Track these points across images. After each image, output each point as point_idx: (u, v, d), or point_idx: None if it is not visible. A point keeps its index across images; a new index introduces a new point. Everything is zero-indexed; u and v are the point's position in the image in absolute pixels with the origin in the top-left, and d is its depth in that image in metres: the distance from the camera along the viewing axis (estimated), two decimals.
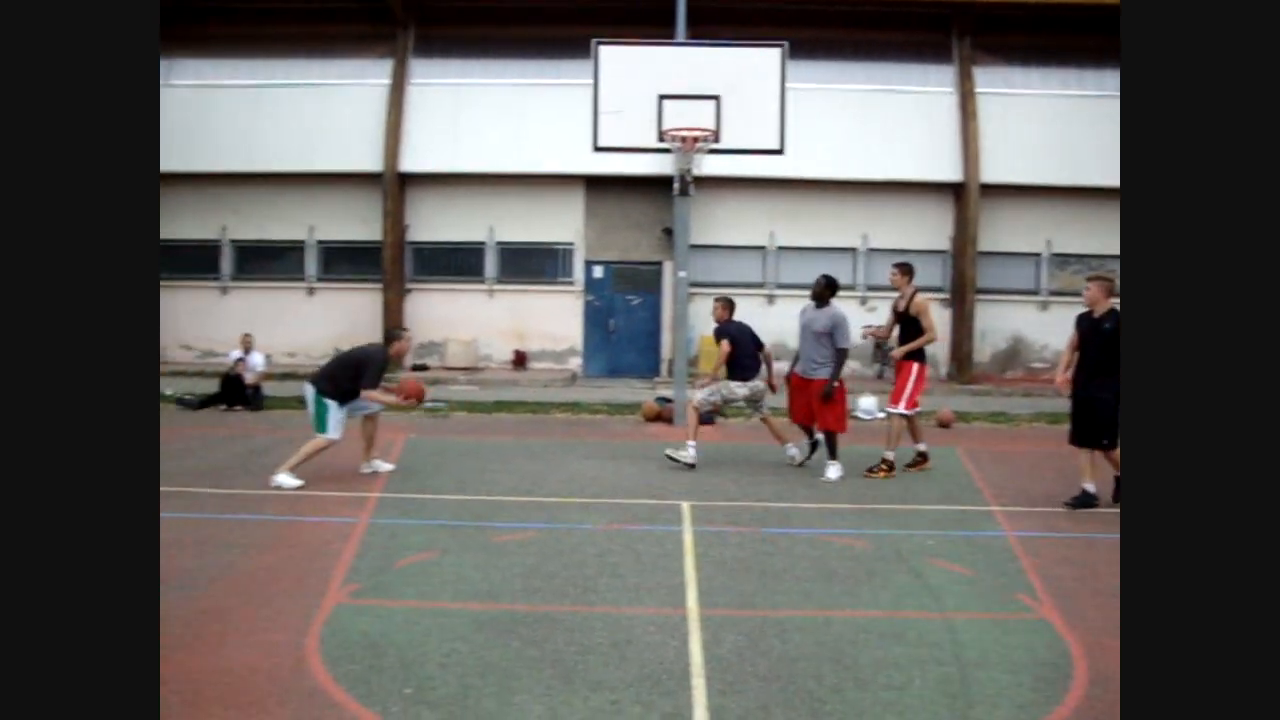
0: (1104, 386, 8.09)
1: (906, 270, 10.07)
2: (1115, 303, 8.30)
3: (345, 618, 5.41)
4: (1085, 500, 8.35)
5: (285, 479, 8.89)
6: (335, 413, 9.12)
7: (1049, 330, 19.79)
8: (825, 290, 9.86)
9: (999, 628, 5.41)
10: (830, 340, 9.60)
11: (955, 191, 19.64)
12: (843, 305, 10.05)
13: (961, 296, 19.38)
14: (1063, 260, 19.85)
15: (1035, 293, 19.97)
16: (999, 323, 19.87)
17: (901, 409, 9.80)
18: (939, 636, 5.23)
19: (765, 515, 8.08)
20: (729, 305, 10.42)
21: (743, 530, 7.52)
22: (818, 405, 9.64)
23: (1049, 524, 7.93)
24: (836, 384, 9.57)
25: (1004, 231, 19.62)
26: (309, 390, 9.24)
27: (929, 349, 10.00)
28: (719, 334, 10.17)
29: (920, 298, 9.90)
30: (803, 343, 9.86)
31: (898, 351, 9.94)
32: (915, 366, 9.83)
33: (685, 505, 8.33)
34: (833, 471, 9.53)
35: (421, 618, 5.43)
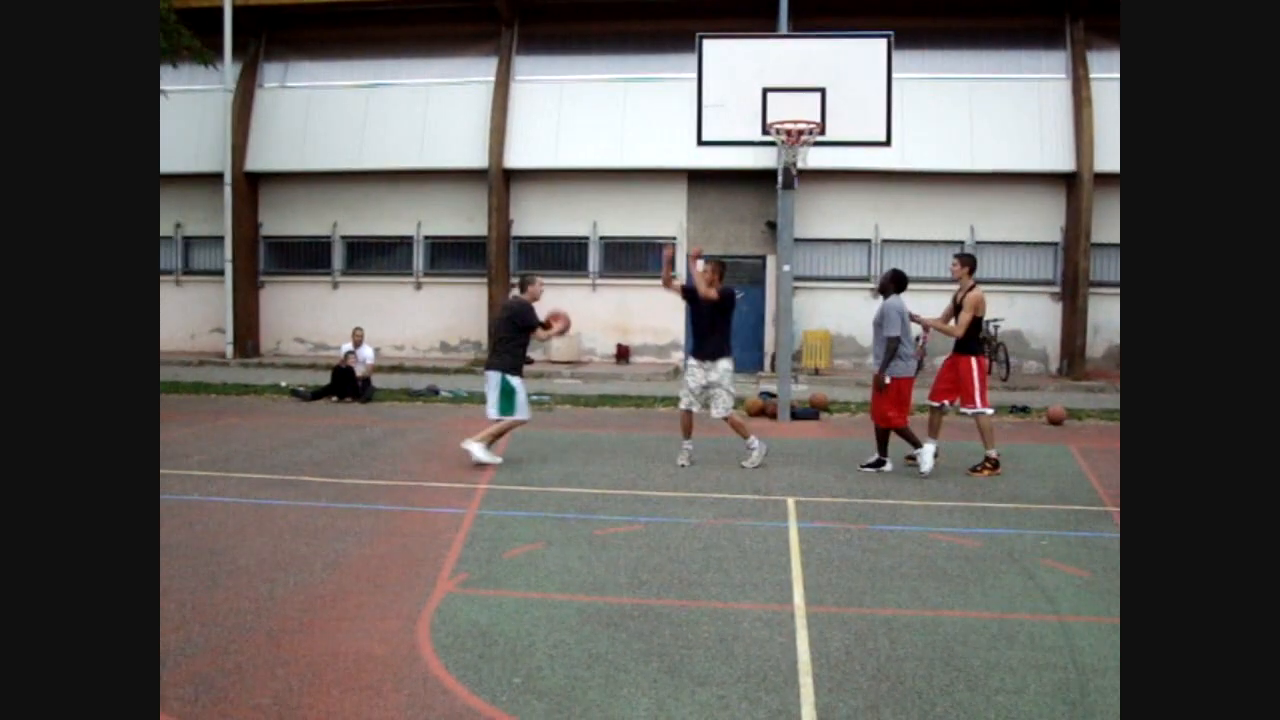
0: None
1: (967, 262, 9.78)
2: None
3: (455, 606, 5.50)
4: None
5: (479, 451, 9.55)
6: (521, 393, 9.67)
7: None
8: (888, 284, 9.65)
9: (1118, 633, 5.23)
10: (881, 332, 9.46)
11: (1068, 181, 19.06)
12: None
13: (1074, 290, 18.80)
14: None
15: None
16: (1114, 317, 19.20)
17: (981, 408, 9.58)
18: (1054, 640, 5.09)
19: (872, 512, 7.97)
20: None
21: (849, 527, 7.43)
22: (875, 398, 9.57)
23: None
24: (890, 377, 9.37)
25: (1119, 222, 18.97)
26: (494, 377, 9.64)
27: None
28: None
29: (975, 292, 9.59)
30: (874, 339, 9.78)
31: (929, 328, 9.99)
32: (974, 361, 9.60)
33: (790, 501, 8.27)
34: (924, 461, 9.37)
35: (529, 608, 5.50)
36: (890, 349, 9.35)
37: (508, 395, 9.57)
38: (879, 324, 9.51)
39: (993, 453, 9.55)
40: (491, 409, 9.71)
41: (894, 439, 9.66)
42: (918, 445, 9.43)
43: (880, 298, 9.75)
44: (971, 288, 9.61)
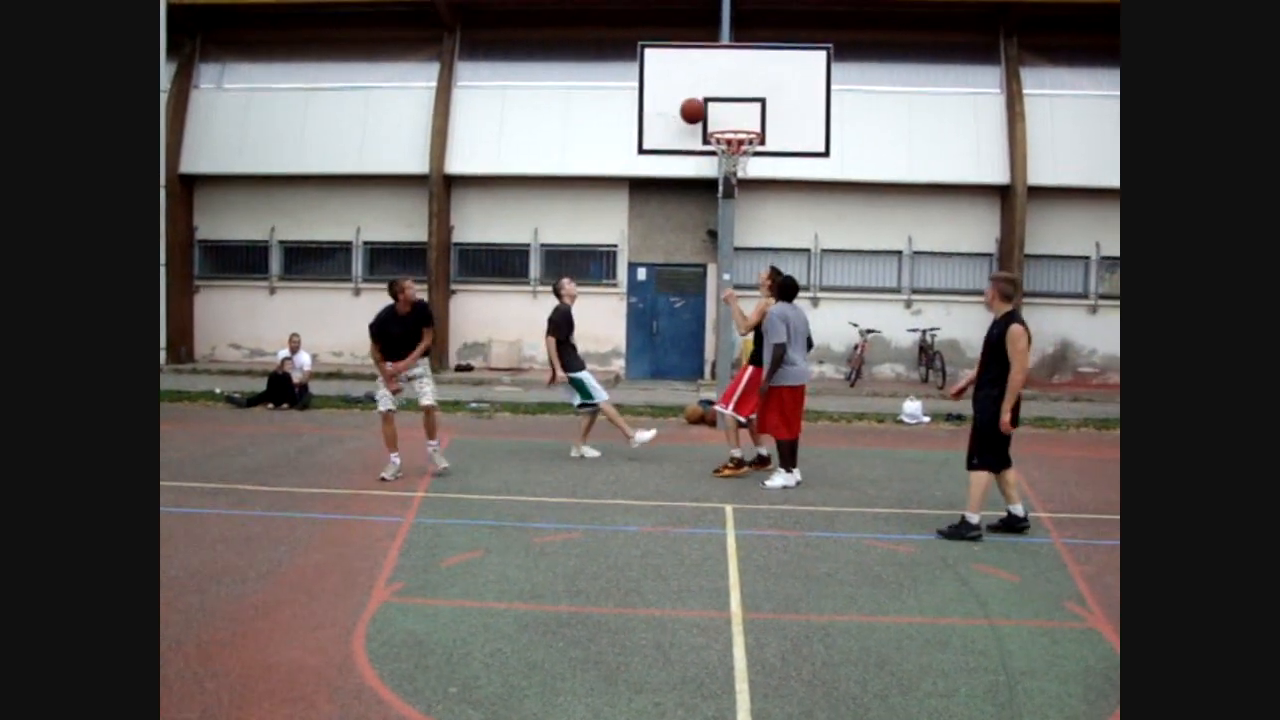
0: (982, 401, 7.56)
1: (774, 277, 9.72)
2: (1011, 306, 7.55)
3: (391, 616, 5.46)
4: (1009, 523, 7.68)
5: (641, 435, 10.62)
6: (590, 378, 10.73)
7: (1098, 334, 19.51)
8: (775, 290, 9.53)
9: (1047, 636, 5.34)
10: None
11: (1002, 194, 19.41)
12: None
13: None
14: (1112, 263, 19.52)
15: (1084, 296, 19.67)
16: (1047, 326, 19.57)
17: (730, 410, 9.71)
18: (985, 644, 5.17)
19: (809, 519, 8.05)
20: None
21: (786, 534, 7.49)
22: (761, 407, 9.47)
23: (1098, 531, 7.82)
24: (769, 384, 9.19)
25: (1052, 234, 19.34)
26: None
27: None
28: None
29: (764, 305, 9.57)
30: None
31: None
32: (750, 369, 9.69)
33: (728, 508, 8.31)
34: (773, 480, 9.29)
35: (466, 617, 5.47)
36: (773, 357, 9.10)
37: (582, 389, 10.60)
38: (766, 331, 9.32)
39: (736, 453, 9.75)
40: (575, 400, 10.72)
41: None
42: (787, 467, 9.28)
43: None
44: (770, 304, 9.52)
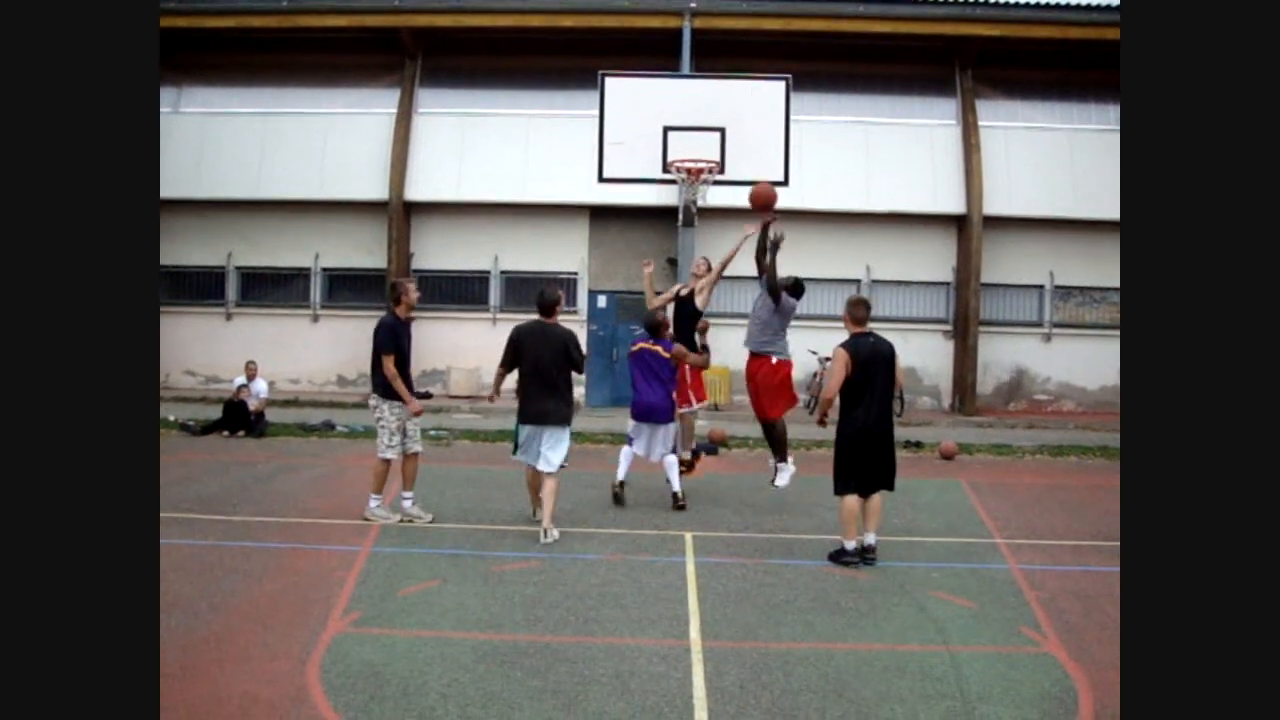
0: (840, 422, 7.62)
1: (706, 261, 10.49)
2: (861, 329, 7.64)
3: (347, 646, 5.39)
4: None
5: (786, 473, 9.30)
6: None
7: (1052, 362, 19.79)
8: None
9: (1003, 661, 5.38)
10: None
11: (958, 224, 19.67)
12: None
13: (965, 328, 19.37)
14: (1066, 292, 19.85)
15: (1039, 325, 19.95)
16: (1002, 355, 19.84)
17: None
18: (943, 670, 5.20)
19: (768, 546, 8.06)
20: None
21: (745, 561, 7.49)
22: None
23: (1054, 557, 7.90)
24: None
25: (1007, 263, 19.62)
26: None
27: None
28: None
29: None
30: None
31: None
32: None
33: (688, 536, 8.30)
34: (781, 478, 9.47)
35: (423, 647, 5.41)
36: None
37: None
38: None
39: (685, 454, 9.96)
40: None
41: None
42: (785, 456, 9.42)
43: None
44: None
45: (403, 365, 8.59)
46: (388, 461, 8.55)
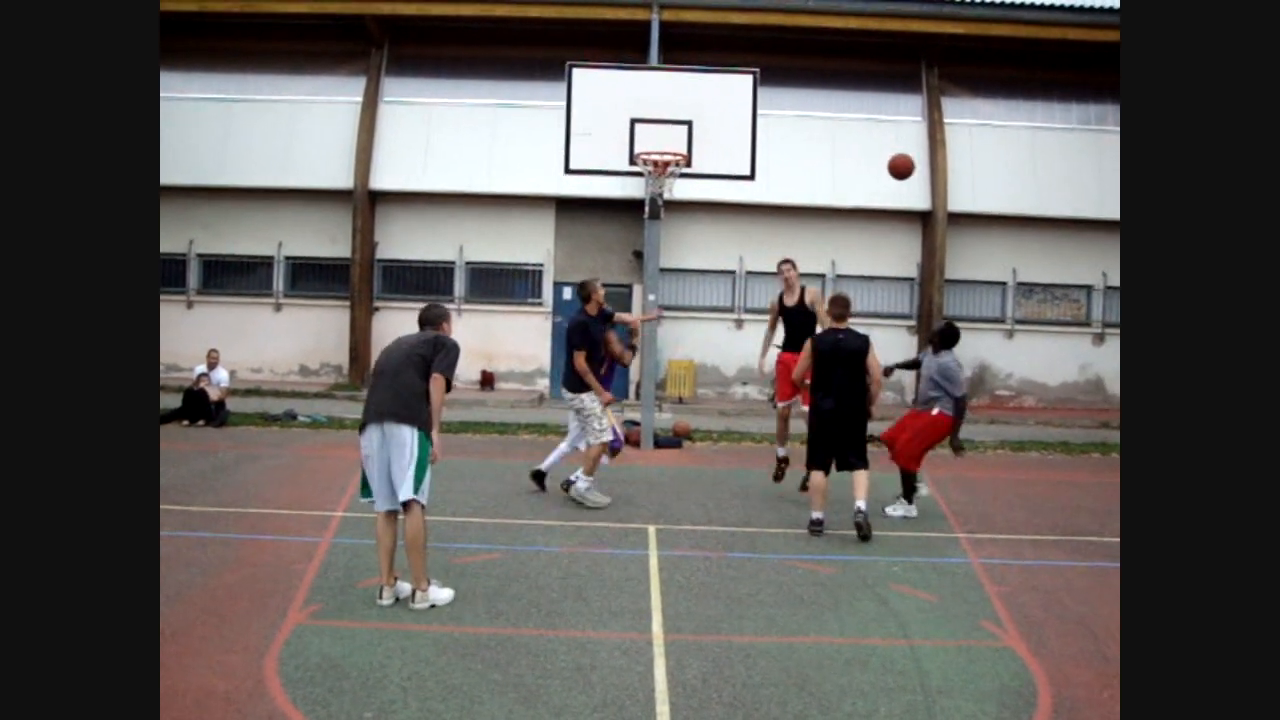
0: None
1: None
2: (839, 325, 8.56)
3: (306, 639, 5.33)
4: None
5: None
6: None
7: (1015, 358, 20.00)
8: (937, 338, 10.06)
9: (964, 655, 5.41)
10: None
11: (923, 220, 19.81)
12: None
13: (929, 324, 19.49)
14: (1028, 289, 20.06)
15: (1001, 321, 20.14)
16: (965, 350, 19.85)
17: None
18: (904, 664, 5.22)
19: (731, 539, 8.07)
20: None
21: (708, 555, 7.49)
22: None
23: (1014, 551, 7.96)
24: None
25: (971, 260, 19.79)
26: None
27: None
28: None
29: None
30: None
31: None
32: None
33: (651, 529, 8.29)
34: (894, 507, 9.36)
35: (383, 639, 5.36)
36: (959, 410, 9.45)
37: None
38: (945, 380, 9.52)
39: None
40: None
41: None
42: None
43: (930, 351, 10.04)
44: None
45: (594, 359, 9.13)
46: (605, 444, 9.09)
